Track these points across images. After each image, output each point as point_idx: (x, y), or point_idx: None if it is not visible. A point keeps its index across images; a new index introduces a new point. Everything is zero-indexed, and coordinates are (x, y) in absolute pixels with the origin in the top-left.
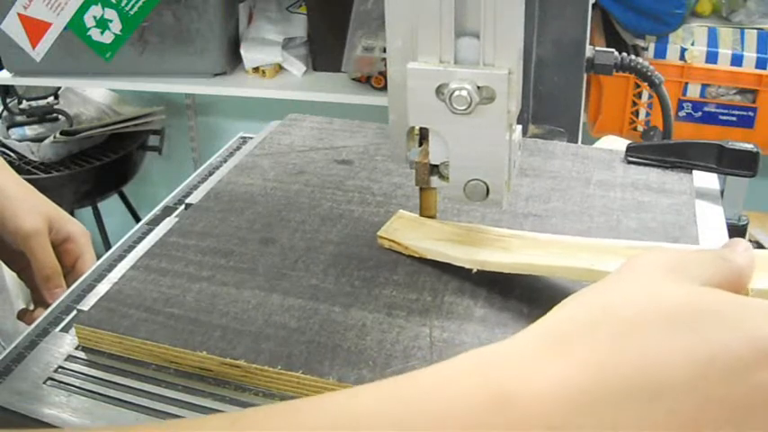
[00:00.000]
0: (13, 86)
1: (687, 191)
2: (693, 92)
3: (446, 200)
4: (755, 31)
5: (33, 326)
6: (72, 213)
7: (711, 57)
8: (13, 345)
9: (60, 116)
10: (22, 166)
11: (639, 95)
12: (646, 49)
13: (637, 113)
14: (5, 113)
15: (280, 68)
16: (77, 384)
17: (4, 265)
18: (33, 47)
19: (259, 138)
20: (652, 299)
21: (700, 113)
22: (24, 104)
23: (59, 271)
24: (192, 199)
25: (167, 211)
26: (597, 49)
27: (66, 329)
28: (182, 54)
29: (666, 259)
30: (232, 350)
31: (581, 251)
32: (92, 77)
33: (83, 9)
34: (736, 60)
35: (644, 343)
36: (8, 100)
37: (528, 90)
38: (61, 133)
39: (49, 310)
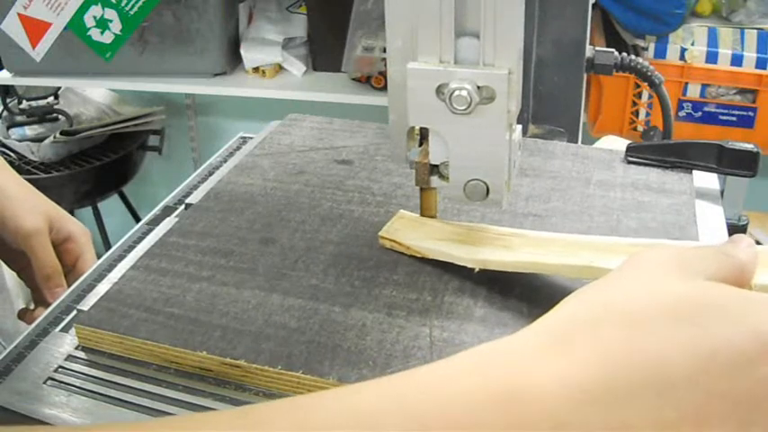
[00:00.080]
0: (13, 86)
1: (687, 191)
2: (693, 92)
3: (446, 200)
4: (755, 31)
5: (33, 326)
6: (72, 213)
7: (711, 57)
8: (14, 345)
9: (60, 116)
10: (22, 166)
11: (639, 95)
12: (646, 49)
13: (637, 113)
14: (5, 113)
15: (280, 68)
16: (77, 384)
17: (4, 264)
18: (33, 47)
19: (259, 138)
20: (654, 294)
21: (700, 113)
22: (24, 104)
23: (60, 270)
24: (192, 199)
25: (167, 211)
26: (597, 49)
27: (66, 329)
28: (182, 54)
29: (669, 255)
30: (232, 350)
31: (582, 249)
32: (92, 77)
33: (83, 9)
34: (736, 60)
35: (646, 339)
36: (8, 100)
37: (528, 90)
38: (61, 133)
39: (50, 309)
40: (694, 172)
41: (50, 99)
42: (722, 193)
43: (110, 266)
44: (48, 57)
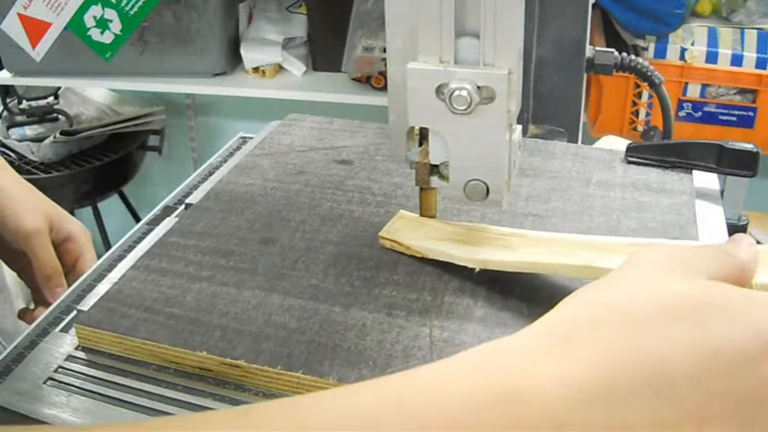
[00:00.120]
0: (13, 86)
1: (687, 191)
2: (693, 92)
3: (446, 200)
4: (755, 31)
5: (33, 326)
6: (72, 213)
7: (711, 57)
8: (13, 345)
9: (60, 116)
10: (22, 166)
11: (639, 95)
12: (646, 49)
13: (637, 113)
14: (5, 113)
15: (280, 68)
16: (77, 384)
17: (4, 264)
18: (33, 47)
19: (259, 138)
20: (654, 294)
21: (700, 113)
22: (24, 104)
23: (60, 270)
24: (192, 199)
25: (167, 211)
26: (597, 49)
27: (66, 329)
28: (182, 54)
29: (669, 255)
30: (232, 350)
31: (582, 249)
32: (92, 77)
33: (83, 9)
34: (736, 60)
35: (647, 338)
36: (8, 100)
37: (528, 90)
38: (61, 133)
39: (50, 309)
40: (694, 172)
41: (50, 99)
42: (722, 193)
43: (110, 266)
44: (48, 57)
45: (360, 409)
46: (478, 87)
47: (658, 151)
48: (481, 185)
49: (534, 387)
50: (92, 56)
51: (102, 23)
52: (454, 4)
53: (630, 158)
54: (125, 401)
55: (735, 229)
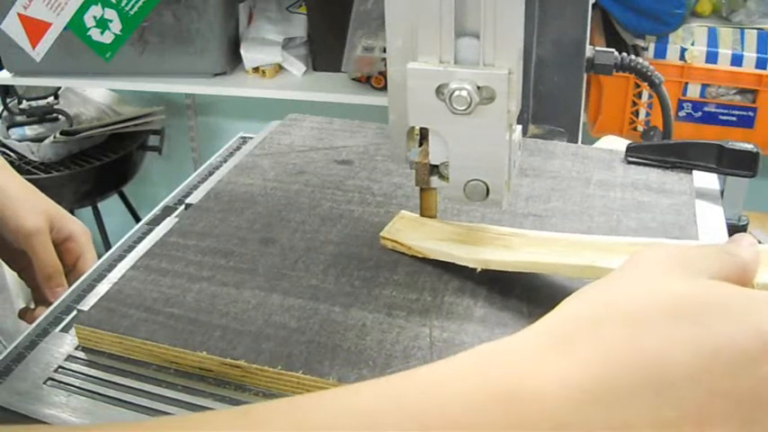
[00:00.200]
0: (13, 86)
1: (687, 191)
2: (693, 92)
3: (446, 200)
4: (755, 31)
5: (33, 326)
6: (72, 213)
7: (711, 57)
8: (14, 345)
9: (60, 116)
10: (22, 166)
11: (639, 95)
12: (646, 49)
13: (637, 113)
14: (5, 113)
15: (280, 68)
16: (77, 384)
17: (4, 264)
18: (33, 47)
19: (259, 138)
20: (656, 293)
21: (700, 113)
22: (24, 104)
23: (61, 270)
24: (192, 199)
25: (167, 211)
26: (597, 49)
27: (66, 329)
28: (182, 54)
29: (671, 254)
30: (232, 350)
31: (583, 249)
32: (92, 77)
33: (83, 9)
34: (736, 60)
35: (648, 338)
36: (8, 100)
37: (528, 90)
38: (61, 133)
39: (50, 309)
40: (694, 172)
41: (50, 99)
42: (722, 193)
43: (110, 266)
44: (48, 57)
45: (360, 409)
46: (478, 87)
47: (658, 151)
48: (481, 185)
49: (535, 387)
50: (92, 56)
51: (102, 23)
52: (454, 4)
53: (630, 158)
54: (125, 401)
55: (735, 229)
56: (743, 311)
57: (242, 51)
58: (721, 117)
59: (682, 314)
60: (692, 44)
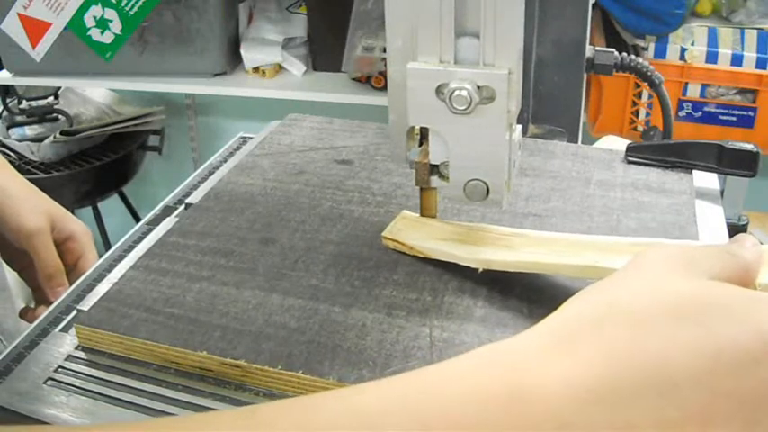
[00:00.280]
0: (13, 86)
1: (687, 191)
2: (693, 92)
3: (446, 200)
4: (755, 31)
5: (33, 325)
6: (72, 213)
7: (711, 57)
8: (14, 344)
9: (60, 116)
10: (22, 166)
11: (639, 95)
12: (646, 49)
13: (637, 113)
14: (5, 113)
15: (280, 68)
16: (77, 384)
17: (4, 263)
18: (33, 47)
19: (259, 138)
20: (658, 294)
21: (700, 113)
22: (24, 104)
23: (62, 269)
24: (192, 199)
25: (167, 211)
26: (597, 49)
27: (66, 329)
28: (182, 54)
29: (673, 254)
30: (232, 350)
31: (585, 249)
32: (92, 77)
33: (83, 9)
34: (736, 60)
35: (650, 338)
36: (8, 100)
37: (528, 90)
38: (61, 133)
39: (50, 309)
40: (694, 172)
41: (50, 99)
42: (722, 193)
43: (110, 266)
44: (48, 57)
45: (363, 410)
46: (478, 87)
47: (658, 151)
48: (481, 185)
49: (538, 387)
50: (92, 56)
51: (102, 23)
52: (454, 4)
53: (630, 158)
54: (125, 401)
55: (735, 229)
56: (745, 312)
57: (242, 51)
58: (721, 117)
59: (684, 315)
60: (692, 44)
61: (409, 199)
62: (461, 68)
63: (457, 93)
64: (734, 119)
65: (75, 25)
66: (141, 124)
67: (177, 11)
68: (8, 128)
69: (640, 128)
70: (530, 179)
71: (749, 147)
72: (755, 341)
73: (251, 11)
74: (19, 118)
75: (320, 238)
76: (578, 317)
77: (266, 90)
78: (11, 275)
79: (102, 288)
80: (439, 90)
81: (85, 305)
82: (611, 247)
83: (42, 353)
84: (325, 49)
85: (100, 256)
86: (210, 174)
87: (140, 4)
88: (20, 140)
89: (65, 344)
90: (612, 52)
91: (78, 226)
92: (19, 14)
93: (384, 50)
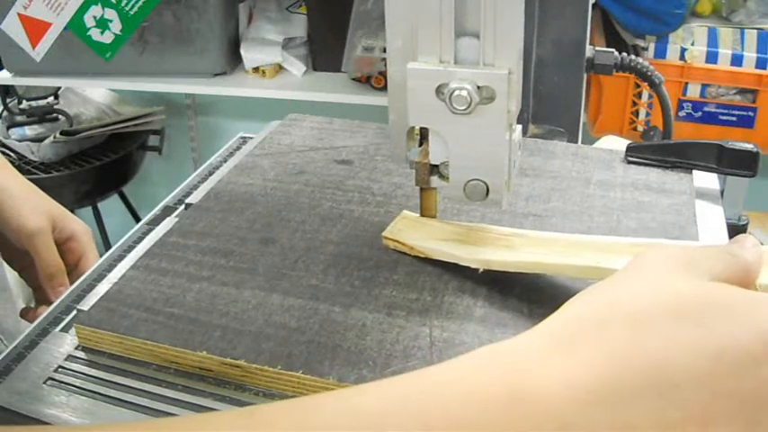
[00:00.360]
0: (13, 86)
1: (687, 191)
2: (693, 92)
3: (446, 200)
4: (755, 31)
5: (33, 325)
6: (72, 213)
7: (711, 57)
8: (14, 344)
9: (60, 116)
10: (22, 166)
11: (639, 95)
12: (646, 49)
13: (637, 113)
14: (5, 113)
15: (280, 68)
16: (77, 384)
17: (5, 263)
18: (33, 47)
19: (259, 138)
20: (659, 294)
21: (700, 113)
22: (24, 104)
23: (63, 269)
24: (192, 199)
25: (167, 211)
26: (597, 49)
27: (66, 329)
28: (182, 54)
29: (674, 255)
30: (232, 350)
31: (585, 249)
32: (92, 77)
33: (83, 9)
34: (736, 60)
35: (651, 339)
36: (8, 100)
37: (528, 90)
38: (61, 133)
39: (50, 309)
40: (694, 172)
41: (50, 99)
42: (722, 193)
43: (110, 266)
44: (48, 57)
45: (364, 410)
46: (478, 87)
47: (658, 151)
48: (481, 185)
49: (539, 388)
50: (92, 56)
51: (102, 23)
52: (454, 4)
53: (630, 158)
54: (125, 401)
55: (735, 229)
56: (746, 313)
57: (242, 51)
58: (721, 117)
59: (685, 315)
60: (692, 44)
61: (409, 199)
62: (461, 68)
63: (457, 93)
64: (734, 119)
65: (75, 25)
66: (141, 124)
67: (177, 11)
68: (8, 128)
69: (640, 128)
70: (530, 179)
71: (749, 147)
72: (756, 342)
73: (251, 11)
74: (19, 118)
75: (320, 238)
76: (579, 317)
77: (266, 90)
78: (11, 275)
79: (102, 288)
80: (439, 90)
81: (85, 305)
82: (612, 247)
83: (42, 353)
84: (325, 49)
85: (100, 256)
86: (210, 174)
87: (140, 4)
88: (20, 140)
89: (65, 344)
90: (612, 52)
91: (79, 226)
92: (19, 14)
93: (384, 50)
